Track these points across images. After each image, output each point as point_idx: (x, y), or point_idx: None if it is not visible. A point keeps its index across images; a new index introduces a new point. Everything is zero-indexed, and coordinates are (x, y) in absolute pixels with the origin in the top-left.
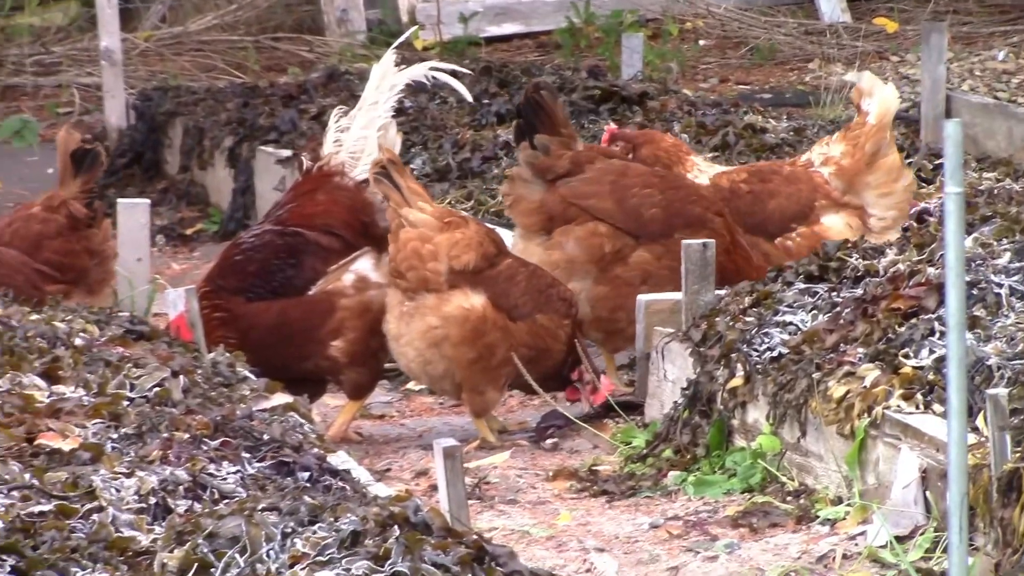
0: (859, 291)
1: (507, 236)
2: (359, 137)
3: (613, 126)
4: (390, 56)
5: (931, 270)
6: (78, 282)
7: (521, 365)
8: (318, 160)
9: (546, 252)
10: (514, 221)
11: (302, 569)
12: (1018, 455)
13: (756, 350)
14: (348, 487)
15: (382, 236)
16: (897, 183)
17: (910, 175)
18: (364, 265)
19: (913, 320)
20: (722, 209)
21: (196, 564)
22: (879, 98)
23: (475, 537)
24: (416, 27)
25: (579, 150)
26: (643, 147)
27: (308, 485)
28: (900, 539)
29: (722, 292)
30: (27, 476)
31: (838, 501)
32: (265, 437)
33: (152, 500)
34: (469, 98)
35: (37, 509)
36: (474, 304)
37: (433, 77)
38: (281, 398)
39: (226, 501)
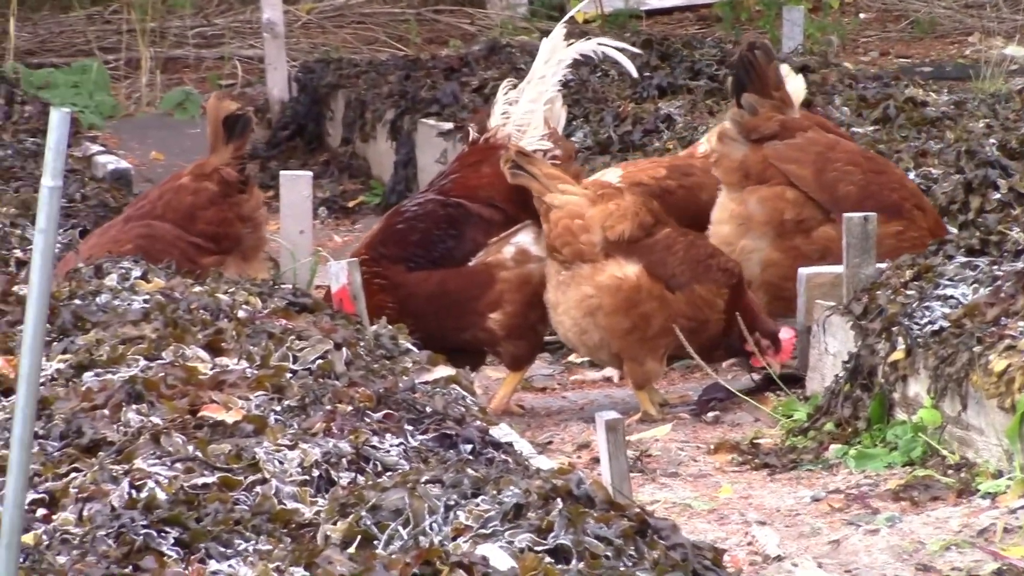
0: (1020, 264)
1: None
2: (527, 110)
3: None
4: (560, 30)
5: None
6: (232, 250)
7: (682, 336)
8: (484, 131)
9: (736, 207)
10: (718, 177)
11: (465, 541)
12: None
13: (917, 323)
14: (510, 460)
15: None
16: None
17: None
18: (525, 238)
19: None
20: (926, 204)
21: (359, 536)
22: (789, 89)
23: (637, 510)
24: (584, 1)
25: (793, 117)
26: None
27: (471, 458)
28: None
29: (883, 265)
30: (190, 448)
31: (999, 475)
32: (428, 409)
33: (315, 472)
34: (635, 74)
35: (200, 481)
36: (627, 273)
37: (602, 52)
38: (443, 370)
39: (389, 473)
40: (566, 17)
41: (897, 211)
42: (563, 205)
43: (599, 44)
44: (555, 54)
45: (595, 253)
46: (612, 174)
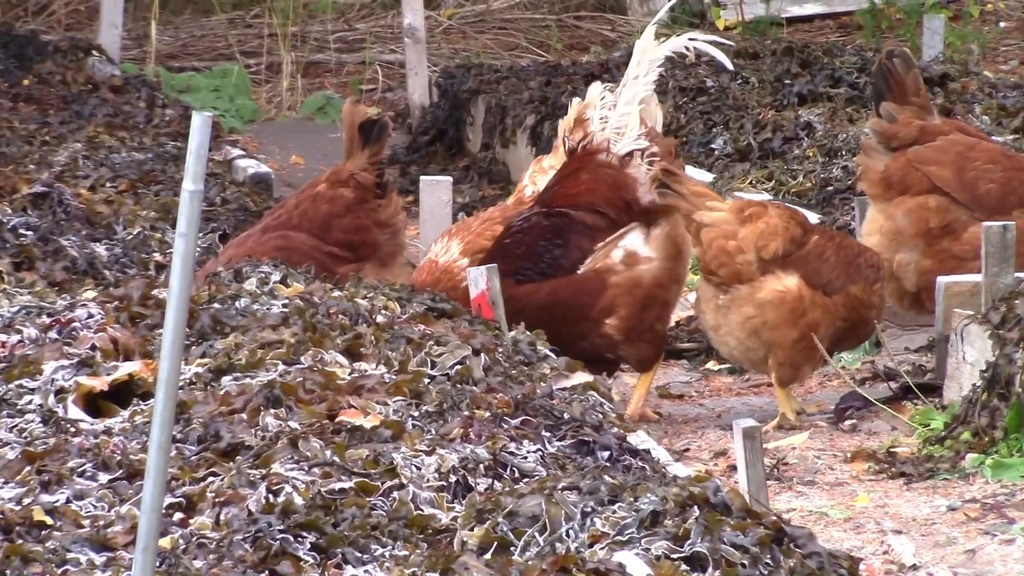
0: None
1: (811, 217)
2: (623, 113)
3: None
4: (650, 30)
5: None
6: (370, 257)
7: (818, 341)
8: (582, 139)
9: (885, 222)
10: (863, 190)
11: (601, 548)
12: None
13: None
14: (647, 467)
15: (646, 211)
16: None
17: None
18: (633, 240)
19: None
20: None
21: (496, 542)
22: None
23: (774, 518)
24: (664, 10)
25: (933, 122)
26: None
27: (608, 464)
28: None
29: (1021, 275)
30: (328, 453)
31: None
32: (565, 416)
33: (452, 478)
34: (729, 66)
35: (338, 486)
36: (788, 286)
37: (694, 48)
38: (581, 377)
39: (526, 480)
40: (657, 16)
41: None
42: (715, 223)
43: (690, 40)
44: (646, 55)
45: (752, 272)
46: (454, 247)
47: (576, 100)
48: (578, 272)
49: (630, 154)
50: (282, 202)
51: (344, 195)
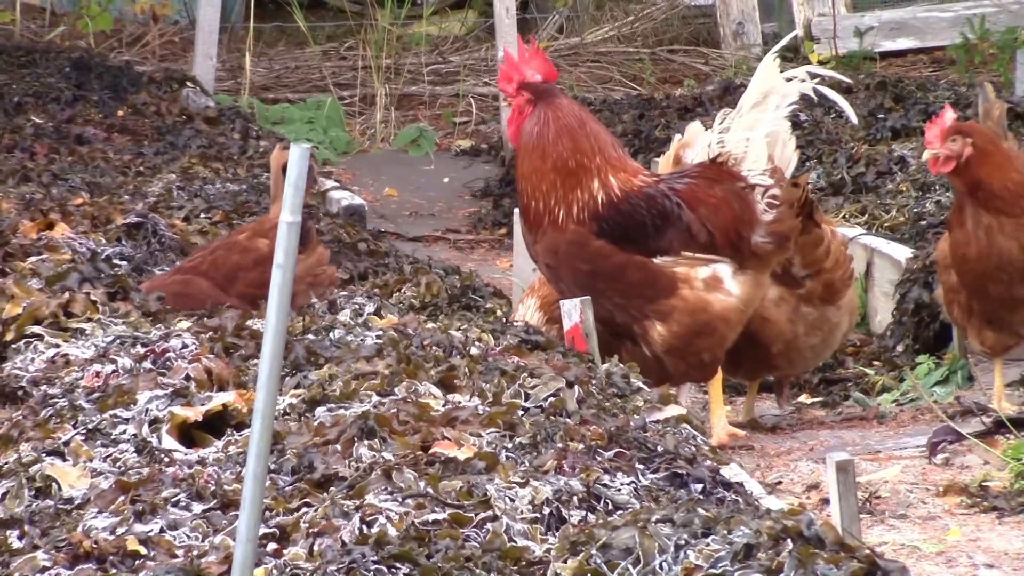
0: None
1: (903, 251)
2: (740, 139)
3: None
4: (770, 59)
5: None
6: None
7: None
8: (725, 157)
9: None
10: None
11: None
12: None
13: None
14: (740, 500)
15: (747, 253)
16: None
17: None
18: (723, 269)
19: None
20: None
21: (589, 574)
22: (700, 147)
23: (867, 552)
24: (803, 38)
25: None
26: None
27: (701, 497)
28: None
29: None
30: (422, 484)
31: None
32: (658, 448)
33: (546, 510)
34: (854, 119)
35: (431, 517)
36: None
37: (819, 92)
38: (674, 409)
39: (619, 512)
40: (777, 47)
41: None
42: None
43: (813, 77)
44: (767, 83)
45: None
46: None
47: (677, 137)
48: (654, 261)
49: (752, 187)
50: (208, 244)
51: (258, 248)
